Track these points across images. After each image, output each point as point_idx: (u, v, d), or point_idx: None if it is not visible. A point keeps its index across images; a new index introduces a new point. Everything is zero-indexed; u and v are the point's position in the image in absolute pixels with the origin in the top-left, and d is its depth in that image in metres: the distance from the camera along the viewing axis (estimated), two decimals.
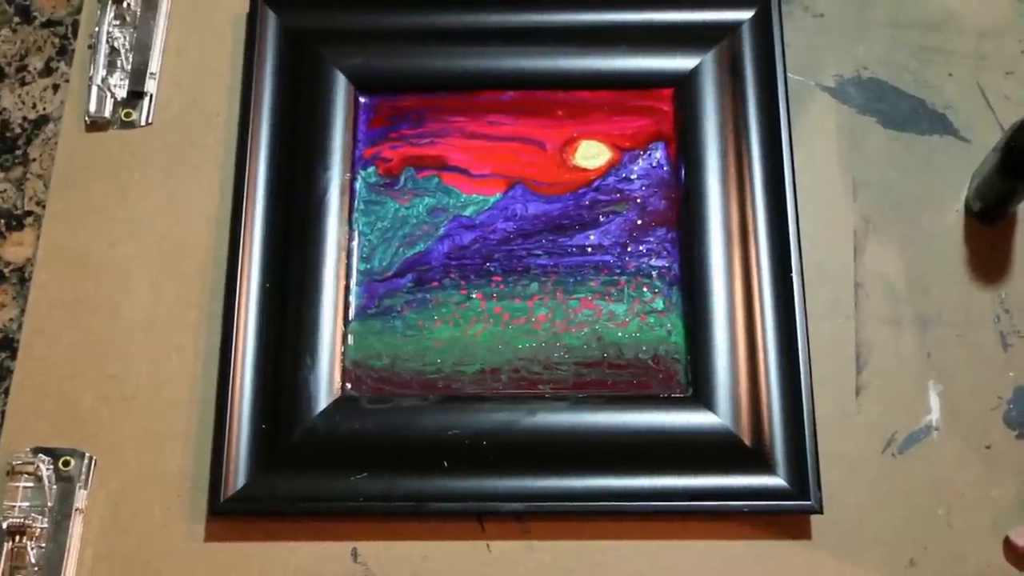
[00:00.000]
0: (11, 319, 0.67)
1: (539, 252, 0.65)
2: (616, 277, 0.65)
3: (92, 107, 0.69)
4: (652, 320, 0.64)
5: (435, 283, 0.65)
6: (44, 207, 0.69)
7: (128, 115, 0.70)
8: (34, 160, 0.71)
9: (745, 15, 0.68)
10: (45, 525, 0.61)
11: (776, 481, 0.59)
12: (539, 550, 0.60)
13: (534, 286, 0.64)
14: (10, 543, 0.60)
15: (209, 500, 0.60)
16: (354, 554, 0.60)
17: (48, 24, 0.74)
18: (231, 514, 0.60)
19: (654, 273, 0.65)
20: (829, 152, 0.68)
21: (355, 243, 0.65)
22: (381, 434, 0.60)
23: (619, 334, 0.64)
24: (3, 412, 0.64)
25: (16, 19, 0.74)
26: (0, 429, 0.63)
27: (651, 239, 0.65)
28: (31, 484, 0.62)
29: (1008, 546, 0.58)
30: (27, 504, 0.61)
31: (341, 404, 0.61)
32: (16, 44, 0.74)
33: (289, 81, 0.68)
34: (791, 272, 0.62)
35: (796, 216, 0.64)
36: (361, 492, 0.59)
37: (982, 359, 0.64)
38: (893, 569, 0.60)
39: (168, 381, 0.64)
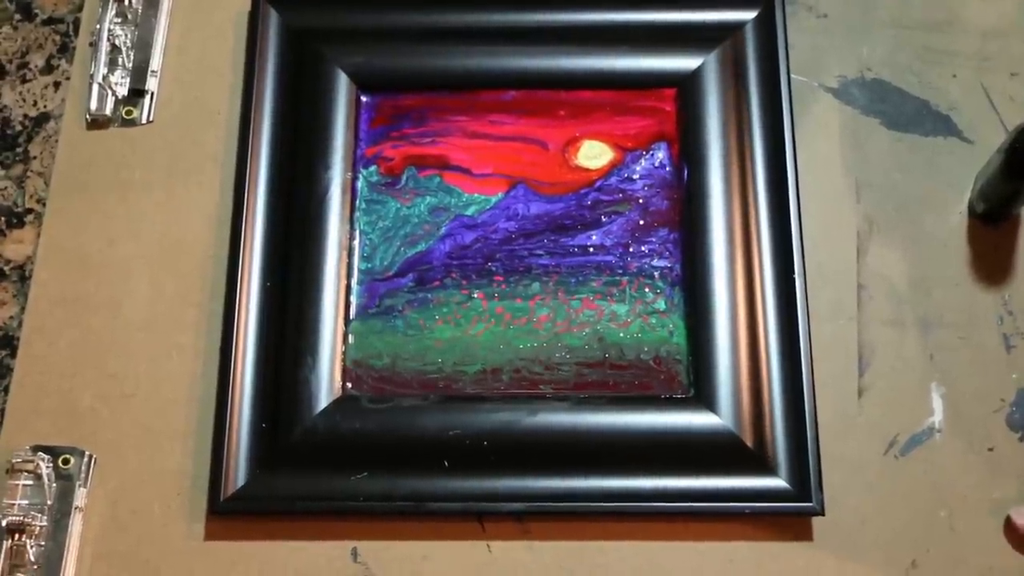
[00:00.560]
0: (11, 317, 0.67)
1: (541, 252, 0.65)
2: (618, 277, 0.65)
3: (93, 105, 0.69)
4: (654, 321, 0.64)
5: (436, 283, 0.65)
6: (45, 205, 0.69)
7: (129, 113, 0.70)
8: (35, 158, 0.71)
9: (748, 15, 0.68)
10: (44, 523, 0.61)
11: (778, 482, 0.59)
12: (539, 550, 0.60)
13: (535, 286, 0.65)
14: (9, 541, 0.60)
15: (209, 499, 0.60)
16: (354, 554, 0.61)
17: (49, 21, 0.74)
18: (231, 513, 0.60)
19: (656, 274, 0.65)
20: (832, 153, 0.68)
21: (356, 242, 0.65)
22: (381, 434, 0.61)
23: (621, 335, 0.64)
24: (3, 410, 0.64)
25: (17, 16, 0.74)
26: (0, 427, 0.64)
27: (653, 239, 0.66)
28: (31, 482, 0.62)
29: (1009, 526, 0.58)
30: (27, 502, 0.61)
31: (341, 403, 0.61)
32: (17, 41, 0.74)
33: (290, 80, 0.68)
34: (793, 273, 0.62)
35: (799, 217, 0.64)
36: (361, 492, 0.59)
37: (985, 361, 0.64)
38: (895, 571, 0.60)
39: (168, 380, 0.64)
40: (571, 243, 0.66)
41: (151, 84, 0.71)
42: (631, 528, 0.60)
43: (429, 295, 0.64)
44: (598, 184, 0.67)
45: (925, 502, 0.61)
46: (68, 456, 0.62)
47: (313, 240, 0.65)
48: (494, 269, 0.65)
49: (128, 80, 0.71)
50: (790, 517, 0.60)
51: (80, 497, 0.62)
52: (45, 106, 0.72)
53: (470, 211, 0.66)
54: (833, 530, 0.60)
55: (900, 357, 0.64)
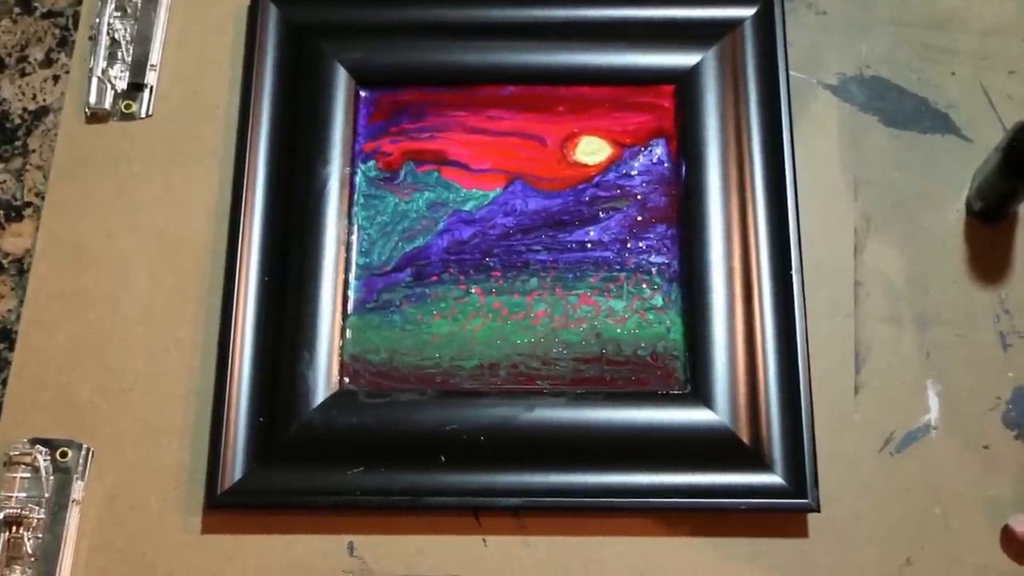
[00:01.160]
0: (9, 310, 0.67)
1: (538, 248, 0.65)
2: (615, 273, 0.65)
3: (92, 99, 0.69)
4: (651, 317, 0.64)
5: (434, 278, 0.65)
6: (43, 198, 0.69)
7: (128, 107, 0.70)
8: (34, 151, 0.71)
9: (747, 12, 0.68)
10: (42, 516, 0.61)
11: (773, 479, 0.59)
12: (535, 545, 0.61)
13: (533, 281, 0.65)
14: (7, 533, 0.60)
15: (206, 493, 0.60)
16: (350, 547, 0.61)
17: (49, 15, 0.74)
18: (228, 507, 0.60)
19: (653, 270, 0.65)
20: (830, 150, 0.68)
21: (354, 237, 0.65)
22: (378, 428, 0.61)
23: (618, 330, 0.64)
24: (1, 403, 0.64)
25: (17, 10, 0.74)
26: None
27: (651, 235, 0.66)
28: (28, 475, 0.62)
29: (1007, 535, 0.58)
30: (24, 495, 0.61)
31: (339, 398, 0.62)
32: (16, 35, 0.74)
33: (289, 75, 0.68)
34: (791, 270, 0.62)
35: (796, 214, 0.64)
36: (358, 486, 0.59)
37: (981, 359, 0.64)
38: (890, 568, 0.60)
39: (166, 374, 0.64)
40: (569, 239, 0.66)
41: (150, 78, 0.71)
42: (627, 524, 0.60)
43: (427, 290, 0.64)
44: (596, 180, 0.67)
45: (920, 499, 0.61)
46: (66, 449, 0.62)
47: (311, 235, 0.65)
48: (492, 264, 0.65)
49: (127, 74, 0.70)
50: (786, 513, 0.60)
51: (78, 490, 0.62)
52: (44, 99, 0.72)
53: (468, 206, 0.66)
54: (828, 527, 0.60)
55: (897, 354, 0.64)
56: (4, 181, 0.70)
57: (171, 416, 0.63)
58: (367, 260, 0.65)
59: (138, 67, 0.71)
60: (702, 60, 0.67)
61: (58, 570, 0.60)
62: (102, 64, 0.70)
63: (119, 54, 0.71)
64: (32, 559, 0.60)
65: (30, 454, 0.62)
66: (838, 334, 0.64)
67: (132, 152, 0.69)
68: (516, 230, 0.66)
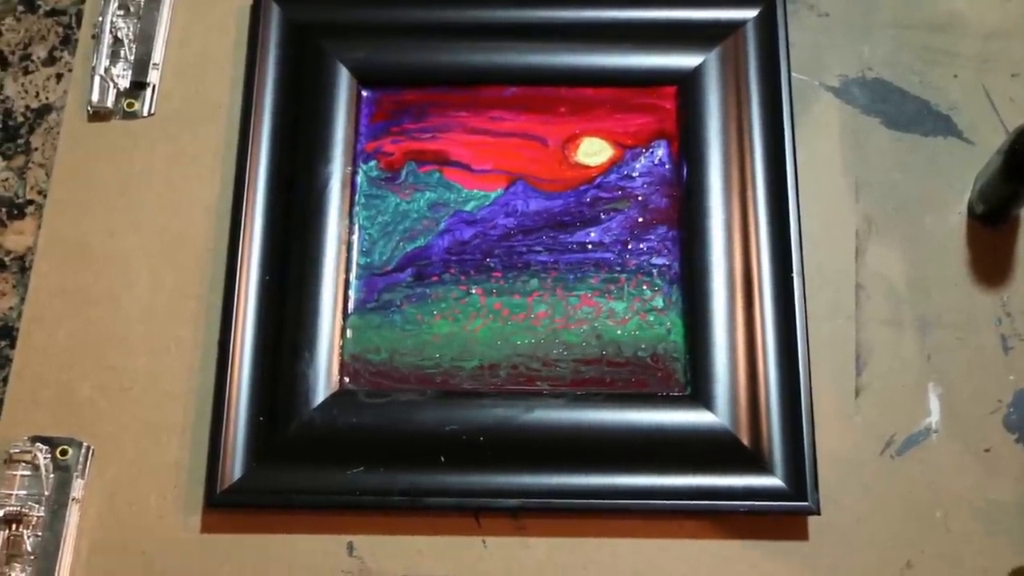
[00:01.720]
0: (11, 308, 0.66)
1: (539, 248, 0.65)
2: (616, 275, 0.64)
3: (95, 97, 0.69)
4: (652, 318, 0.63)
5: (435, 278, 0.64)
6: (46, 196, 0.68)
7: (130, 105, 0.70)
8: (36, 149, 0.70)
9: (750, 14, 0.68)
10: (42, 514, 0.61)
11: (774, 481, 0.58)
12: (534, 547, 0.60)
13: (534, 282, 0.64)
14: (6, 531, 0.60)
15: (205, 492, 0.60)
16: (350, 548, 0.60)
17: (52, 13, 0.74)
18: (227, 506, 0.60)
19: (655, 271, 0.64)
20: (832, 152, 0.68)
21: (355, 237, 0.65)
22: (378, 428, 0.60)
23: (618, 332, 0.63)
24: (1, 400, 0.64)
25: (20, 8, 0.74)
26: None
27: (652, 237, 0.65)
28: (28, 473, 0.62)
29: None
30: (24, 493, 0.61)
31: (339, 398, 0.61)
32: (20, 33, 0.73)
33: (291, 74, 0.68)
34: (792, 272, 0.62)
35: (798, 216, 0.63)
36: (358, 486, 0.59)
37: (982, 362, 0.63)
38: (890, 571, 0.59)
39: (166, 372, 0.64)
40: (570, 240, 0.65)
41: (153, 77, 0.70)
42: (627, 525, 0.60)
43: (428, 290, 0.64)
44: (597, 181, 0.66)
45: (921, 502, 0.61)
46: (66, 447, 0.62)
47: (312, 234, 0.64)
48: (492, 265, 0.65)
49: (130, 73, 0.70)
50: (786, 516, 0.59)
51: (77, 488, 0.61)
52: (47, 98, 0.72)
53: (469, 207, 0.66)
54: (829, 529, 0.60)
55: (898, 357, 0.63)
56: (7, 179, 0.70)
57: (171, 415, 0.63)
58: (368, 260, 0.65)
59: (140, 66, 0.70)
60: (704, 62, 0.67)
61: (57, 568, 0.60)
62: (105, 63, 0.70)
63: (122, 53, 0.70)
64: (32, 557, 0.60)
65: (30, 452, 0.62)
66: (839, 337, 0.63)
67: (134, 151, 0.69)
68: (517, 231, 0.65)
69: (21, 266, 0.67)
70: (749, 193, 0.64)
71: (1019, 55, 0.70)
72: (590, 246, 0.65)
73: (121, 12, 0.71)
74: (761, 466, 0.59)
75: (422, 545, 0.60)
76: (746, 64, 0.67)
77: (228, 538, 0.60)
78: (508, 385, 0.62)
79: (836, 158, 0.67)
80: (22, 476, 0.62)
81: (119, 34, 0.71)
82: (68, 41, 0.73)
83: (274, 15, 0.69)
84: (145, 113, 0.70)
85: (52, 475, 0.62)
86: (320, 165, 0.66)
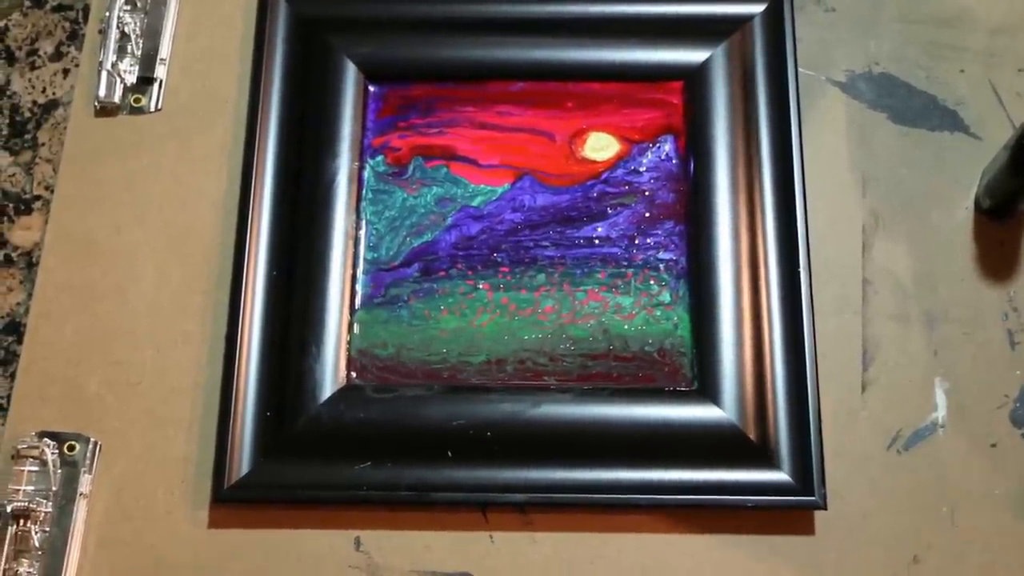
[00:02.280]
0: (18, 303, 0.66)
1: (546, 243, 0.65)
2: (623, 269, 0.64)
3: (102, 92, 0.69)
4: (659, 313, 0.63)
5: (442, 273, 0.64)
6: (53, 191, 0.68)
7: (137, 100, 0.69)
8: (43, 144, 0.70)
9: (757, 8, 0.67)
10: (49, 509, 0.60)
11: (780, 476, 0.58)
12: (542, 541, 0.60)
13: (541, 277, 0.64)
14: (14, 527, 0.60)
15: (213, 487, 0.59)
16: (357, 542, 0.60)
17: (59, 8, 0.73)
18: (234, 501, 0.59)
19: (661, 266, 0.64)
20: (839, 147, 0.67)
21: (362, 232, 0.65)
22: (385, 423, 0.60)
23: (625, 327, 0.63)
24: (9, 396, 0.64)
25: (27, 3, 0.74)
26: (6, 413, 0.63)
27: (659, 232, 0.65)
28: (36, 468, 0.61)
29: None
30: (32, 488, 0.61)
31: (346, 393, 0.61)
32: (27, 28, 0.73)
33: (298, 69, 0.67)
34: (799, 267, 0.62)
35: (804, 211, 0.63)
36: (365, 481, 0.58)
37: (989, 357, 0.63)
38: (896, 566, 0.59)
39: (174, 367, 0.63)
40: (577, 235, 0.65)
41: (160, 72, 0.70)
42: (633, 520, 0.60)
43: (435, 285, 0.64)
44: (604, 176, 0.66)
45: (927, 497, 0.60)
46: (73, 443, 0.62)
47: (319, 229, 0.64)
48: (500, 260, 0.64)
49: (137, 68, 0.70)
50: (792, 511, 0.59)
51: (85, 483, 0.61)
52: (54, 93, 0.71)
53: (476, 202, 0.66)
54: (835, 524, 0.60)
55: (904, 352, 0.63)
56: (14, 174, 0.69)
57: (178, 410, 0.62)
58: (375, 255, 0.64)
59: (147, 61, 0.70)
60: (711, 57, 0.67)
61: (65, 564, 0.59)
62: (112, 58, 0.69)
63: (129, 48, 0.70)
64: (39, 552, 0.60)
65: (37, 447, 0.61)
66: (846, 331, 0.63)
67: (141, 146, 0.68)
68: (524, 226, 0.65)
69: (28, 262, 0.67)
70: (756, 188, 0.64)
71: None
72: (597, 241, 0.65)
73: (128, 7, 0.71)
74: (768, 461, 0.58)
75: (429, 540, 0.60)
76: (753, 59, 0.66)
77: (235, 533, 0.60)
78: (515, 380, 0.62)
79: (843, 153, 0.67)
80: (29, 472, 0.61)
81: (126, 29, 0.70)
82: (75, 36, 0.73)
83: (281, 10, 0.68)
84: (152, 108, 0.69)
85: (60, 470, 0.61)
86: (327, 160, 0.65)
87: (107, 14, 0.70)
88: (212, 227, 0.66)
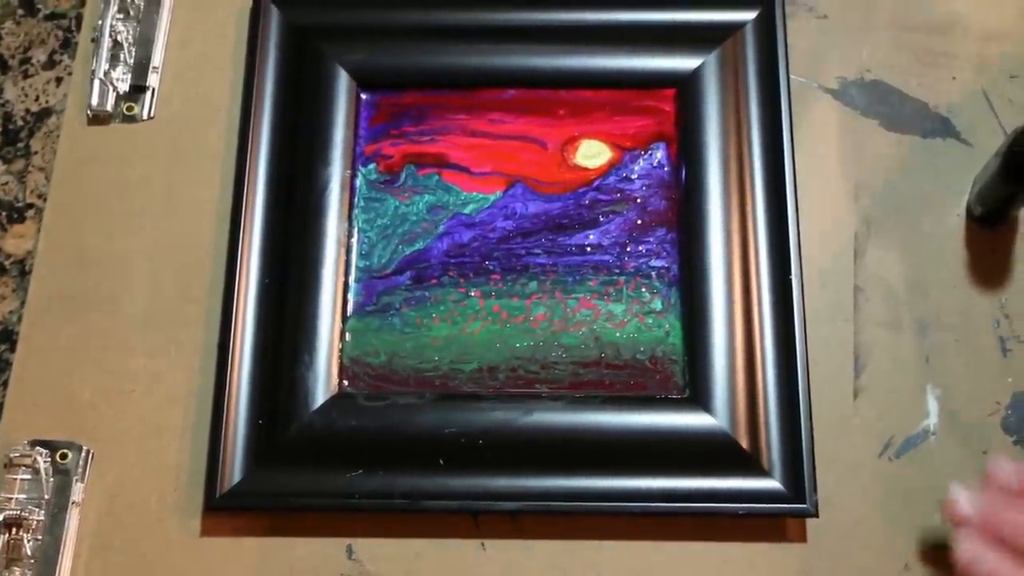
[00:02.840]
0: (11, 312, 0.66)
1: (538, 251, 0.65)
2: (615, 277, 0.64)
3: (94, 100, 0.69)
4: (650, 321, 0.63)
5: (434, 281, 0.64)
6: (45, 200, 0.68)
7: (130, 109, 0.70)
8: (36, 153, 0.70)
9: (748, 16, 0.67)
10: (41, 518, 0.60)
11: (772, 484, 0.58)
12: (533, 549, 0.60)
13: (533, 285, 0.64)
14: (7, 535, 0.60)
15: (205, 495, 0.60)
16: (349, 550, 0.60)
17: (52, 17, 0.74)
18: (227, 509, 0.59)
19: (653, 274, 0.64)
20: (831, 154, 0.67)
21: (355, 240, 0.65)
22: (377, 431, 0.60)
23: (617, 334, 0.63)
24: (2, 404, 0.64)
25: (20, 11, 0.74)
26: None
27: (651, 239, 0.65)
28: (28, 476, 0.62)
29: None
30: (24, 496, 0.61)
31: (338, 401, 0.61)
32: (20, 36, 0.73)
33: (291, 77, 0.67)
34: (790, 275, 0.62)
35: (796, 219, 0.63)
36: (357, 489, 0.59)
37: (981, 364, 0.63)
38: (888, 574, 0.59)
39: (167, 375, 0.63)
40: (568, 242, 0.65)
41: (152, 80, 0.70)
42: (625, 527, 0.60)
43: (427, 293, 0.64)
44: (596, 183, 0.66)
45: (919, 505, 0.60)
46: (66, 451, 0.62)
47: (311, 237, 0.64)
48: (491, 268, 0.64)
49: (129, 76, 0.70)
50: (784, 518, 0.59)
51: (77, 492, 0.61)
52: (47, 101, 0.71)
53: (468, 209, 0.66)
54: (827, 532, 0.60)
55: (896, 359, 0.63)
56: (7, 183, 0.70)
57: (171, 417, 0.63)
58: (367, 263, 0.65)
59: (140, 69, 0.70)
60: (703, 64, 0.67)
61: (57, 572, 0.59)
62: (104, 66, 0.70)
63: (121, 56, 0.70)
64: (32, 561, 0.60)
65: (30, 456, 0.62)
66: (837, 339, 0.63)
67: (134, 154, 0.69)
68: (516, 233, 0.65)
69: (21, 270, 0.67)
70: (748, 195, 0.64)
71: (1017, 57, 0.69)
72: (589, 248, 0.65)
73: (121, 15, 0.71)
74: (759, 468, 0.58)
75: (421, 548, 0.60)
76: (745, 66, 0.67)
77: (228, 541, 0.60)
78: (507, 388, 0.62)
79: (835, 160, 0.67)
80: (22, 480, 0.61)
81: (119, 37, 0.70)
82: (68, 45, 0.73)
83: (273, 18, 0.68)
84: (145, 116, 0.69)
85: (52, 479, 0.61)
86: (319, 168, 0.65)
87: (100, 22, 0.71)
88: (205, 235, 0.66)
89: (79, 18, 0.73)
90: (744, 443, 0.59)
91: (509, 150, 0.67)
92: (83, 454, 0.62)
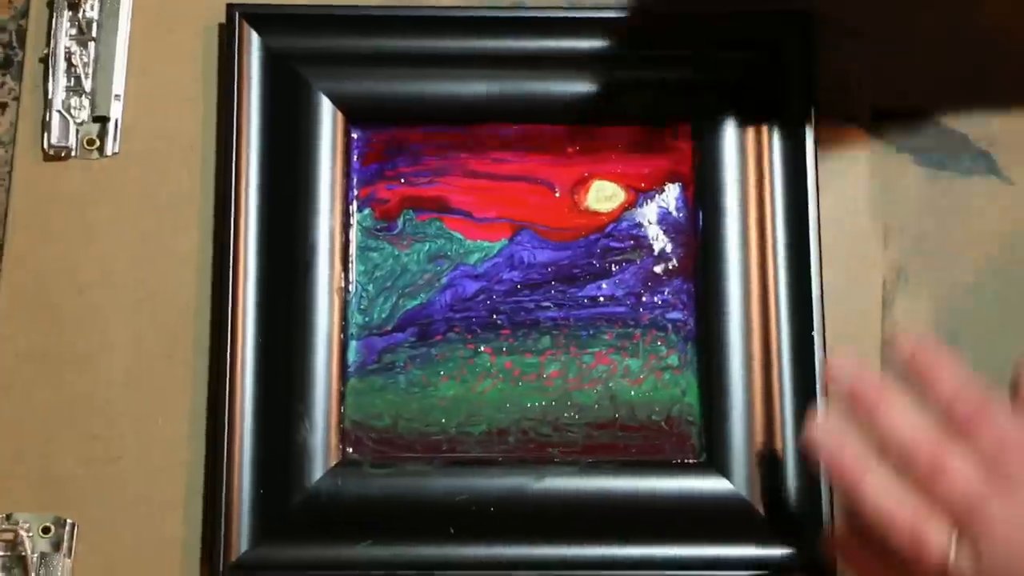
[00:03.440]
0: None
1: (548, 304, 0.97)
2: (631, 330, 0.96)
3: (54, 137, 0.97)
4: (667, 377, 0.95)
5: (439, 337, 0.96)
6: (1, 249, 0.97)
7: (91, 143, 0.98)
8: None
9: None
10: None
11: (790, 551, 0.90)
12: None
13: (546, 340, 0.96)
14: None
15: (207, 569, 0.91)
16: None
17: None
18: None
19: (669, 326, 0.96)
20: (859, 194, 0.98)
21: (351, 295, 0.96)
22: (385, 500, 0.92)
23: (632, 392, 0.95)
24: None
25: None
26: None
27: (666, 290, 0.97)
28: (7, 554, 0.92)
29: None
30: None
31: (342, 468, 0.92)
32: None
33: (273, 111, 0.97)
34: (812, 331, 0.94)
35: (820, 267, 0.94)
36: (367, 560, 0.90)
37: None
38: None
39: (156, 442, 0.94)
40: (580, 294, 0.97)
41: (115, 111, 0.99)
42: None
43: (433, 350, 0.95)
44: (608, 229, 0.98)
45: None
46: (49, 525, 0.92)
47: (303, 292, 0.95)
48: (500, 322, 0.96)
49: (88, 104, 0.99)
50: None
51: (66, 570, 0.92)
52: None
53: (472, 259, 0.97)
54: None
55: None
56: None
57: (165, 488, 0.93)
58: (366, 319, 0.96)
59: (101, 97, 0.99)
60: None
61: None
62: (61, 94, 0.99)
63: (76, 80, 0.99)
64: None
65: (11, 531, 0.92)
66: None
67: (99, 195, 0.98)
68: (524, 285, 0.97)
69: None
70: (768, 242, 0.95)
71: None
72: (602, 299, 0.97)
73: (74, 31, 1.00)
74: (778, 536, 0.91)
75: None
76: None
77: None
78: (518, 452, 0.94)
79: (863, 201, 0.99)
80: (3, 557, 0.92)
81: (73, 59, 0.99)
82: (9, 64, 1.01)
83: (254, 43, 0.98)
84: (109, 152, 0.99)
85: (35, 555, 0.92)
86: (310, 215, 0.96)
87: (53, 42, 0.99)
88: (185, 287, 0.96)
89: (20, 31, 1.02)
90: (762, 509, 0.91)
91: (514, 193, 0.98)
92: (67, 528, 0.93)
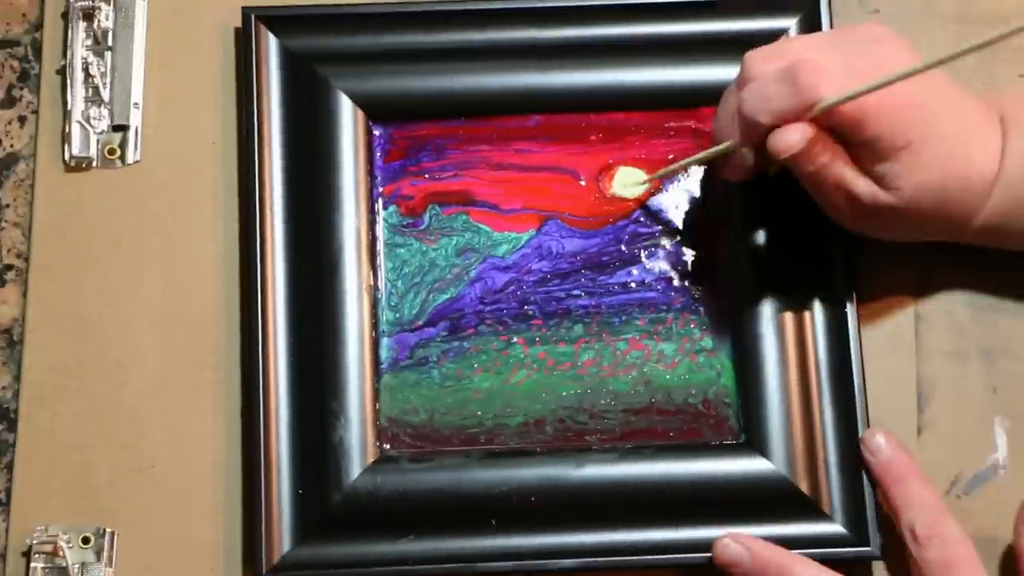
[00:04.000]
0: (3, 387, 1.00)
1: (579, 292, 1.00)
2: (663, 314, 1.00)
3: (76, 148, 1.01)
4: (701, 360, 0.98)
5: (470, 330, 0.99)
6: (26, 260, 1.01)
7: (112, 152, 1.02)
8: (7, 206, 1.03)
9: (790, 21, 1.02)
10: None
11: (834, 528, 0.93)
12: None
13: (579, 328, 0.99)
14: None
15: (251, 572, 0.94)
16: None
17: (3, 45, 1.06)
18: None
19: (702, 309, 1.00)
20: None
21: (381, 292, 0.99)
22: (425, 495, 0.95)
23: (667, 376, 0.98)
24: (8, 490, 0.97)
25: None
26: (6, 508, 0.96)
27: (697, 273, 1.00)
28: (49, 566, 0.95)
29: None
30: None
31: (380, 465, 0.96)
32: None
33: (294, 111, 1.00)
34: (846, 306, 0.97)
35: (854, 240, 0.98)
36: (410, 555, 0.93)
37: None
38: None
39: (190, 447, 0.97)
40: (610, 281, 1.00)
41: (135, 119, 1.03)
42: None
43: (465, 343, 0.99)
44: (635, 215, 1.01)
45: (990, 542, 0.94)
46: (88, 535, 0.96)
47: (333, 291, 0.98)
48: (531, 313, 0.99)
49: (108, 114, 1.03)
50: (849, 563, 0.94)
51: None
52: (12, 145, 1.04)
53: (500, 251, 1.01)
54: (894, 574, 0.95)
55: (962, 391, 0.98)
56: None
57: (200, 492, 0.97)
58: (397, 315, 0.99)
59: (120, 106, 1.03)
60: None
61: None
62: (81, 106, 1.03)
63: (95, 90, 1.03)
64: None
65: (51, 542, 0.95)
66: (898, 372, 0.98)
67: (122, 204, 1.02)
68: (553, 275, 1.00)
69: (9, 339, 1.00)
70: None
71: None
72: (633, 285, 1.00)
73: (89, 41, 1.04)
74: (821, 512, 0.94)
75: None
76: None
77: None
78: (556, 441, 0.97)
79: None
80: (44, 569, 0.96)
81: (91, 70, 1.03)
82: (27, 77, 1.05)
83: (271, 44, 1.02)
84: (130, 160, 1.03)
85: (76, 565, 0.96)
86: (335, 214, 1.00)
87: (69, 53, 1.03)
88: (213, 291, 1.00)
89: (35, 44, 1.06)
90: (804, 487, 0.94)
91: (539, 183, 1.02)
92: (107, 538, 0.96)
